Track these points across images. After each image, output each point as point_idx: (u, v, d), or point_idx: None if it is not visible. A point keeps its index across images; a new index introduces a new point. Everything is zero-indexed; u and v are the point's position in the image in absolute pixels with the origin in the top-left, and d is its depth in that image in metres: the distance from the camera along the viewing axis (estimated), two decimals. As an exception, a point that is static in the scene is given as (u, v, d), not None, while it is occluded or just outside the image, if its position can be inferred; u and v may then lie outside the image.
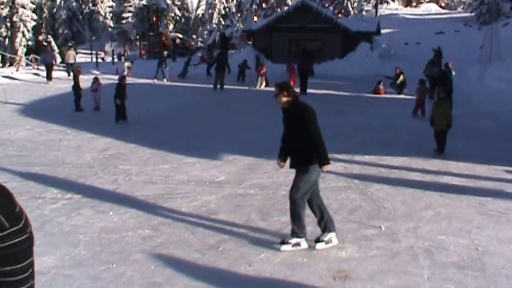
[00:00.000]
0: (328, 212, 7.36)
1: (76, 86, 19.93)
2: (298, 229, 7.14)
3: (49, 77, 30.18)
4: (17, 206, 2.99)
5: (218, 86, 26.47)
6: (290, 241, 7.17)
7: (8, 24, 52.19)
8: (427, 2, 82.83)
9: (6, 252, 2.81)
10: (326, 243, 7.22)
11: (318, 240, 7.26)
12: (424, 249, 7.23)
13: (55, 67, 32.43)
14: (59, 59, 39.84)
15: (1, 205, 2.87)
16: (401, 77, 25.02)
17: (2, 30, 51.49)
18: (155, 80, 30.07)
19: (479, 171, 11.60)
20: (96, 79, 20.85)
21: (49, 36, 55.01)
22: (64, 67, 34.66)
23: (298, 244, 7.17)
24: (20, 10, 51.45)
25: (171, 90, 26.68)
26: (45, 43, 40.26)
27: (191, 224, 8.21)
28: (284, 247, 7.12)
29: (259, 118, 18.21)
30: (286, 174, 10.98)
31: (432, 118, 13.42)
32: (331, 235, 7.26)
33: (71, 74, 31.58)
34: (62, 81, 30.25)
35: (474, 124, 17.17)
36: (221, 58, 28.49)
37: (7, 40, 52.02)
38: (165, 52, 35.49)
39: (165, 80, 30.67)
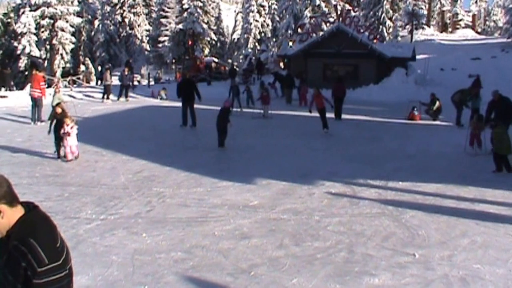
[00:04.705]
0: None
1: (59, 128, 15.33)
2: None
3: (120, 95, 32.98)
4: (59, 240, 2.98)
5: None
6: None
7: (48, 47, 53.24)
8: (463, 27, 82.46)
9: None
10: None
11: None
12: (459, 278, 7.14)
13: (96, 89, 33.46)
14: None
15: (42, 239, 2.88)
16: (437, 103, 24.83)
17: (42, 52, 52.50)
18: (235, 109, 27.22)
19: (516, 200, 11.43)
20: (68, 118, 15.35)
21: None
22: (102, 89, 35.13)
23: None
24: (60, 33, 52.47)
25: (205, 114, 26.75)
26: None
27: (224, 248, 8.24)
28: None
29: (293, 143, 18.19)
30: (320, 199, 10.98)
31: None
32: None
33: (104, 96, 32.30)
34: (97, 103, 30.78)
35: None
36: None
37: (46, 62, 53.01)
38: (236, 79, 35.15)
39: (240, 109, 28.11)
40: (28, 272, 2.81)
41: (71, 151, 15.00)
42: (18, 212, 2.94)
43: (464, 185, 12.42)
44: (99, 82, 47.38)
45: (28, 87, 39.07)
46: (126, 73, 33.68)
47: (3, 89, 41.98)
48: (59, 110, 15.59)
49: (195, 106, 21.98)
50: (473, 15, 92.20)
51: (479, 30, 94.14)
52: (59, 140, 15.32)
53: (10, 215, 2.90)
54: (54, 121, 15.50)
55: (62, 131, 14.95)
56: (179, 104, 23.06)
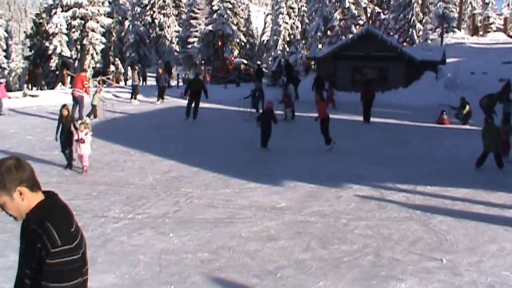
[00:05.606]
0: None
1: (66, 133, 14.01)
2: None
3: (159, 96, 32.53)
4: (74, 226, 3.11)
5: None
6: None
7: (78, 47, 53.91)
8: (494, 31, 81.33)
9: (54, 269, 2.93)
10: None
11: None
12: (487, 284, 7.07)
13: (126, 89, 33.49)
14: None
15: (58, 222, 3.02)
16: (467, 108, 24.57)
17: (73, 52, 53.16)
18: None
19: (547, 206, 11.27)
20: (82, 124, 14.25)
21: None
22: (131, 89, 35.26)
23: None
24: (90, 33, 53.09)
25: (232, 115, 26.78)
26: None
27: (251, 249, 8.26)
28: None
29: (320, 145, 18.09)
30: (347, 202, 10.95)
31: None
32: None
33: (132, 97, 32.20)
34: (126, 103, 31.00)
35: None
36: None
37: (76, 62, 53.67)
38: (263, 81, 35.03)
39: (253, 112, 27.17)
40: (42, 252, 2.96)
41: (83, 160, 13.64)
42: (38, 197, 3.11)
43: (494, 191, 12.28)
44: (127, 82, 47.81)
45: (59, 86, 39.61)
46: (161, 73, 33.50)
47: (34, 88, 42.57)
48: (65, 112, 13.99)
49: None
50: (505, 18, 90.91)
51: (511, 33, 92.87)
52: (66, 147, 13.96)
53: (30, 198, 3.07)
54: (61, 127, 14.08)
55: (76, 137, 13.60)
56: (208, 105, 23.36)
